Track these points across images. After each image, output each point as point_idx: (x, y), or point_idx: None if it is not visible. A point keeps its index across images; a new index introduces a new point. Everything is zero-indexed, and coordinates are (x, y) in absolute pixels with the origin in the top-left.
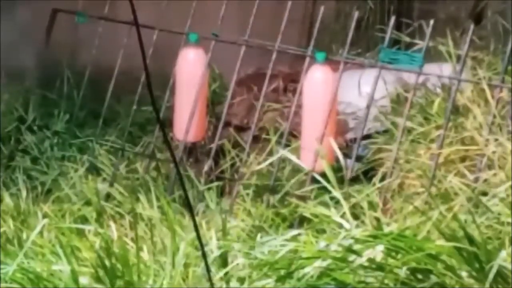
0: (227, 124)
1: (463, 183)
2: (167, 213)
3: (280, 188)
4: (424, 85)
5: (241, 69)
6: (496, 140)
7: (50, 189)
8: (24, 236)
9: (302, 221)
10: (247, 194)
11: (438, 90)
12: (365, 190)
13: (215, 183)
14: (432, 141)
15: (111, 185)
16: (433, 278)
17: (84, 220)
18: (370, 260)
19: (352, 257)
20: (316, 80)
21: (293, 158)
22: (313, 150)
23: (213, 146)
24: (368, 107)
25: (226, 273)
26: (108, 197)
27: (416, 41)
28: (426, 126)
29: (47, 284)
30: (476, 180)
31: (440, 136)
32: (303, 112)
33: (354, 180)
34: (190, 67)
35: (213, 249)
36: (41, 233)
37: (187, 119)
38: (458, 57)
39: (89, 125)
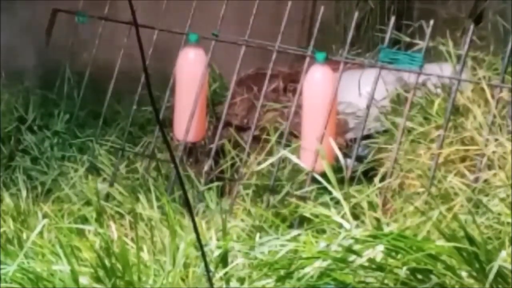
0: (227, 124)
1: (463, 183)
2: (167, 213)
3: (280, 188)
4: (424, 85)
5: (241, 69)
6: (496, 140)
7: (50, 189)
8: (24, 236)
9: (302, 221)
10: (247, 194)
11: (438, 90)
12: (365, 190)
13: (215, 183)
14: (432, 141)
15: (111, 185)
16: (433, 278)
17: (84, 220)
18: (370, 260)
19: (352, 257)
20: (316, 80)
21: (293, 158)
22: (313, 150)
23: (213, 146)
24: (368, 107)
25: (226, 273)
26: (108, 197)
27: (416, 41)
28: (426, 126)
29: (47, 284)
30: (476, 180)
31: (440, 136)
32: (303, 112)
33: (354, 180)
34: (190, 67)
35: (213, 249)
36: (41, 233)
37: (187, 119)
38: (458, 57)
39: (89, 125)
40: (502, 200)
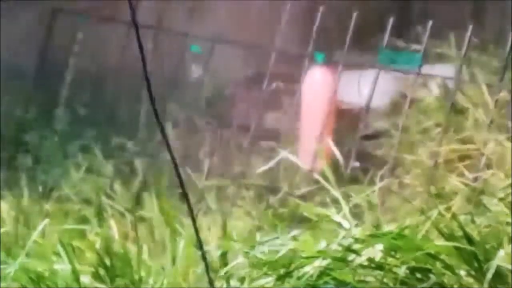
0: (227, 125)
1: (462, 182)
2: (167, 213)
3: (280, 189)
4: (423, 85)
5: (241, 70)
6: (495, 139)
7: (51, 188)
8: (26, 235)
9: (302, 221)
10: (248, 195)
11: (438, 90)
12: (364, 190)
13: (215, 183)
14: (431, 140)
15: (111, 185)
16: (432, 277)
17: (85, 219)
18: (370, 260)
19: (351, 257)
20: (315, 81)
21: (293, 158)
22: (313, 150)
23: (214, 146)
24: (367, 107)
25: (226, 272)
26: (109, 196)
27: (415, 41)
28: (425, 126)
29: (49, 284)
30: (475, 180)
31: (439, 136)
32: (303, 113)
33: (354, 179)
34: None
35: (213, 249)
36: (42, 232)
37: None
38: (458, 57)
39: (89, 125)
40: (501, 199)
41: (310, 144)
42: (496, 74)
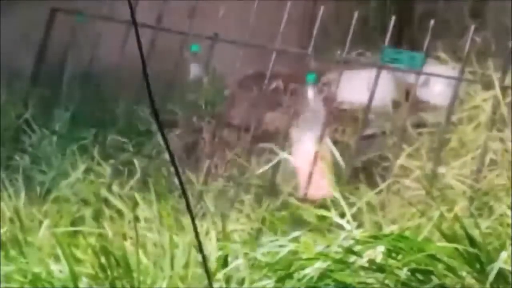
0: (227, 125)
1: (464, 183)
2: (166, 214)
3: (280, 189)
4: (425, 85)
5: (241, 70)
6: (497, 140)
7: (49, 189)
8: (24, 236)
9: (302, 222)
10: (247, 196)
11: (439, 90)
12: (365, 191)
13: (215, 184)
14: (433, 141)
15: (110, 185)
16: (434, 279)
17: (83, 220)
18: (371, 261)
19: (352, 258)
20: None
21: (293, 159)
22: (313, 151)
23: (213, 147)
24: (368, 107)
25: (225, 274)
26: (107, 197)
27: (417, 40)
28: (427, 126)
29: (46, 285)
30: (477, 180)
31: (441, 136)
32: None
33: (354, 180)
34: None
35: (213, 250)
36: (40, 233)
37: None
38: (459, 57)
39: (89, 125)
40: (503, 201)
41: (310, 145)
42: (497, 74)
